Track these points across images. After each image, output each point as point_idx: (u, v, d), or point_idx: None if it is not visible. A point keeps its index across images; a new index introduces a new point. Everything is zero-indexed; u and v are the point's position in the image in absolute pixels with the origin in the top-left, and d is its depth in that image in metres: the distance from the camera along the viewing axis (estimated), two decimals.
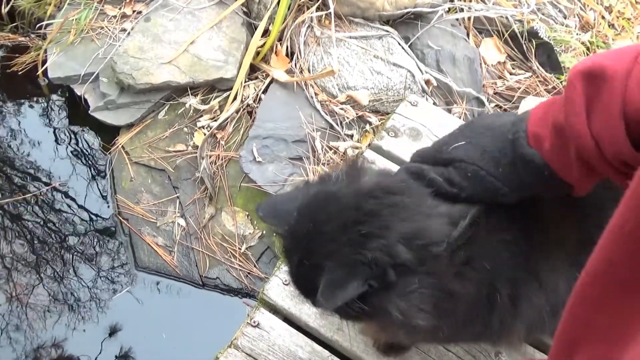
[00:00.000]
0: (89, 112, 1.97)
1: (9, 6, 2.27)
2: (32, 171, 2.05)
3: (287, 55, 1.99)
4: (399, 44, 1.99)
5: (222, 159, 1.88)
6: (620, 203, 0.46)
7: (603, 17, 2.50)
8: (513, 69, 2.20)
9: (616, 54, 0.59)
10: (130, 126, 1.97)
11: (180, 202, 1.87)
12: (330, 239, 0.73)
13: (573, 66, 0.66)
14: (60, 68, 2.02)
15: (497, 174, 0.74)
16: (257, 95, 1.96)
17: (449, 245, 0.73)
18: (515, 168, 0.72)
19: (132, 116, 1.96)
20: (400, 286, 0.72)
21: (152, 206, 1.87)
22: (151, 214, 1.86)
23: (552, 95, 2.09)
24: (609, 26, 2.50)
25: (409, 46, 2.02)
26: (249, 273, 1.79)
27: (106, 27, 2.09)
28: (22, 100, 2.24)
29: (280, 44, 1.99)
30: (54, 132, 2.15)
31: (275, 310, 1.29)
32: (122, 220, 1.88)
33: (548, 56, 2.20)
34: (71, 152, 2.09)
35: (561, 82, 2.15)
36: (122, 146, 1.95)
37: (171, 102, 1.99)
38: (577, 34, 2.35)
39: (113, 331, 1.76)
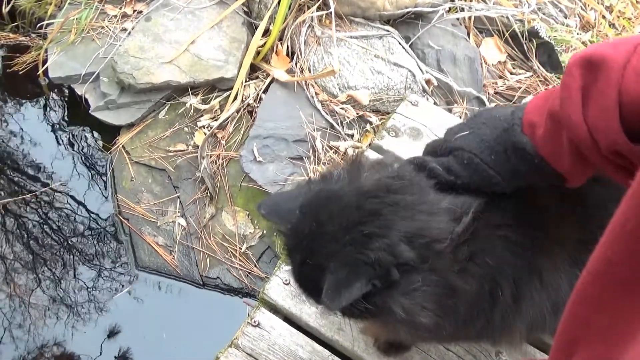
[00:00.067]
0: (90, 111, 1.97)
1: (10, 6, 2.27)
2: (32, 171, 2.05)
3: (287, 55, 1.99)
4: (400, 43, 1.99)
5: (222, 159, 1.88)
6: (622, 202, 0.46)
7: (604, 17, 2.50)
8: (514, 68, 2.20)
9: (616, 44, 0.59)
10: (130, 126, 1.98)
11: (180, 202, 1.87)
12: (332, 239, 0.73)
13: (573, 54, 0.65)
14: (60, 68, 2.02)
15: (490, 161, 0.74)
16: (258, 94, 1.96)
17: (451, 241, 0.73)
18: (507, 156, 0.73)
19: (132, 116, 1.96)
20: (404, 284, 0.72)
21: (152, 206, 1.87)
22: (151, 213, 1.86)
23: None
24: (610, 26, 2.50)
25: (409, 46, 2.02)
26: (249, 273, 1.79)
27: (107, 26, 2.09)
28: (23, 100, 2.24)
29: (281, 43, 1.99)
30: (55, 131, 2.15)
31: (275, 309, 1.29)
32: (123, 220, 1.88)
33: (549, 56, 2.20)
34: (71, 151, 2.09)
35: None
36: (123, 146, 1.95)
37: (172, 102, 1.99)
38: (577, 34, 2.34)
39: (113, 331, 1.76)
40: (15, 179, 2.03)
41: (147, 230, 1.85)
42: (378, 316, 0.78)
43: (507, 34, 2.18)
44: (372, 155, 1.55)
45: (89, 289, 1.82)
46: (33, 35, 2.29)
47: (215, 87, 1.99)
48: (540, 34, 2.16)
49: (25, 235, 1.90)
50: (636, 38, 0.58)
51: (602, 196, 0.81)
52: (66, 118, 2.20)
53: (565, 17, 2.39)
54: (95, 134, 2.13)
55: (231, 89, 1.94)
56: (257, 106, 1.93)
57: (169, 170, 1.90)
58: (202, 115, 1.96)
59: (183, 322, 1.79)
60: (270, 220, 0.85)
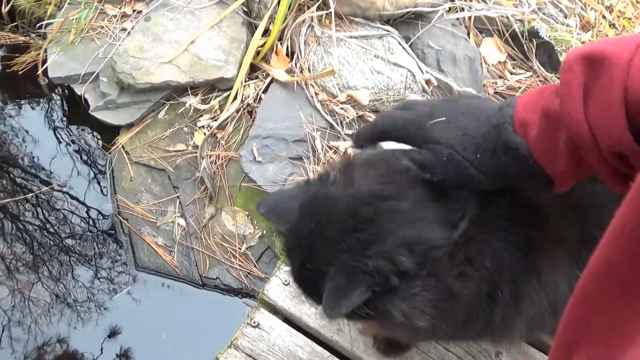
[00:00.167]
0: (89, 111, 1.97)
1: (9, 5, 2.27)
2: (32, 171, 2.05)
3: (287, 54, 1.99)
4: (400, 43, 1.99)
5: (222, 159, 1.87)
6: (622, 204, 0.46)
7: (604, 17, 2.49)
8: (514, 68, 2.20)
9: (618, 41, 0.57)
10: (130, 126, 1.97)
11: (180, 202, 1.87)
12: (331, 244, 0.72)
13: (571, 51, 0.61)
14: (60, 68, 2.02)
15: (474, 159, 0.69)
16: (258, 94, 1.95)
17: (449, 247, 0.72)
18: (496, 155, 0.68)
19: (132, 116, 1.96)
20: (404, 290, 0.72)
21: (152, 206, 1.87)
22: (151, 213, 1.86)
23: None
24: (610, 26, 2.50)
25: (409, 46, 2.02)
26: (249, 273, 1.79)
27: (106, 26, 2.09)
28: (22, 100, 2.24)
29: (281, 43, 1.99)
30: (54, 131, 2.15)
31: (275, 310, 1.29)
32: (122, 220, 1.88)
33: (549, 56, 2.20)
34: (71, 151, 2.09)
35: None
36: (122, 146, 1.95)
37: (171, 102, 1.99)
38: (577, 34, 2.34)
39: (113, 331, 1.76)
40: (15, 179, 2.03)
41: (146, 230, 1.85)
42: (377, 319, 0.78)
43: (507, 34, 2.18)
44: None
45: (88, 289, 1.82)
46: (33, 35, 2.29)
47: (215, 87, 1.99)
48: (540, 34, 2.16)
49: (25, 235, 1.90)
50: (637, 37, 0.57)
51: (601, 195, 0.81)
52: (66, 118, 2.20)
53: (566, 17, 2.39)
54: (95, 134, 2.13)
55: (231, 89, 1.93)
56: (257, 106, 1.92)
57: (169, 171, 1.90)
58: (201, 115, 1.96)
59: (183, 323, 1.78)
60: (269, 220, 0.84)
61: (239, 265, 1.79)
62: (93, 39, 2.07)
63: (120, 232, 1.90)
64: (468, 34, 2.16)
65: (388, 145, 0.79)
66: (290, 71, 1.96)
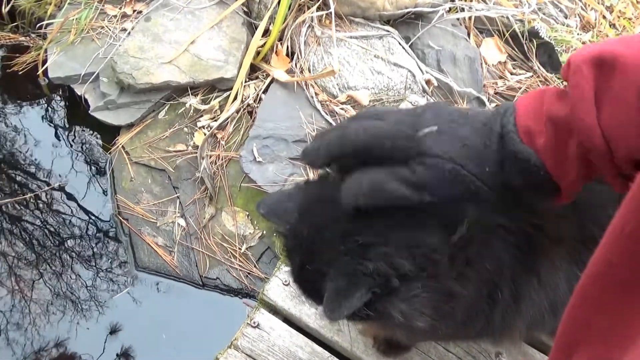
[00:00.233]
0: (89, 112, 1.97)
1: (10, 6, 2.27)
2: (32, 171, 2.05)
3: (287, 55, 1.99)
4: (400, 43, 1.99)
5: (222, 159, 1.87)
6: (622, 204, 0.46)
7: (604, 17, 2.49)
8: (514, 68, 2.20)
9: (627, 41, 0.54)
10: (130, 126, 1.97)
11: (180, 202, 1.87)
12: (330, 245, 0.72)
13: (575, 53, 0.56)
14: (60, 68, 2.02)
15: (480, 173, 0.62)
16: (258, 95, 1.95)
17: (449, 249, 0.72)
18: (502, 167, 0.62)
19: (132, 116, 1.96)
20: (404, 291, 0.72)
21: (152, 206, 1.87)
22: (151, 214, 1.86)
23: None
24: (610, 26, 2.50)
25: (409, 46, 2.02)
26: (249, 273, 1.79)
27: (106, 26, 2.09)
28: (23, 100, 2.24)
29: (281, 43, 1.99)
30: (54, 131, 2.15)
31: (275, 310, 1.29)
32: (122, 220, 1.88)
33: (549, 56, 2.20)
34: (71, 152, 2.09)
35: (562, 81, 2.14)
36: (122, 146, 1.95)
37: (171, 102, 1.99)
38: (578, 34, 2.34)
39: (113, 331, 1.76)
40: (15, 179, 2.03)
41: (146, 230, 1.85)
42: (377, 320, 0.78)
43: (507, 34, 2.18)
44: None
45: (88, 289, 1.82)
46: (33, 35, 2.29)
47: (215, 87, 1.99)
48: (540, 34, 2.16)
49: (25, 236, 1.90)
50: None
51: (601, 195, 0.80)
52: (66, 118, 2.20)
53: (566, 17, 2.39)
54: (95, 134, 2.13)
55: (231, 89, 1.93)
56: (257, 106, 1.92)
57: (169, 171, 1.90)
58: (201, 116, 1.96)
59: (183, 323, 1.78)
60: (269, 220, 0.84)
61: (239, 265, 1.79)
62: (93, 39, 2.07)
63: (120, 232, 1.90)
64: (468, 34, 2.16)
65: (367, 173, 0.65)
66: (290, 71, 1.96)
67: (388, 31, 2.00)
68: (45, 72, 2.06)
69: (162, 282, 1.83)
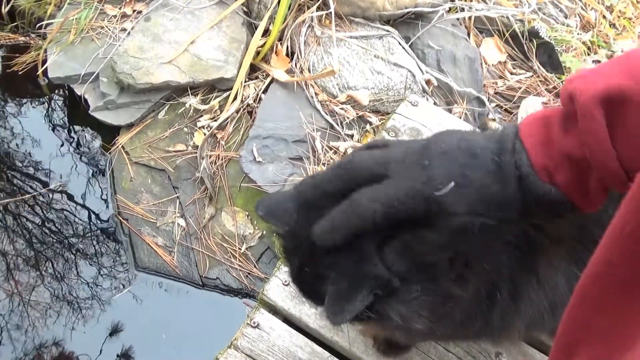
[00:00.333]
0: (89, 112, 1.97)
1: (9, 6, 2.27)
2: (32, 171, 2.05)
3: (287, 55, 1.99)
4: (400, 43, 1.99)
5: (222, 159, 1.87)
6: (622, 205, 0.46)
7: (604, 17, 2.49)
8: (514, 68, 2.20)
9: (630, 73, 0.54)
10: (130, 126, 1.97)
11: (180, 202, 1.87)
12: (332, 247, 0.72)
13: (578, 84, 0.56)
14: (60, 68, 2.02)
15: (503, 216, 0.64)
16: (258, 95, 1.95)
17: (448, 251, 0.72)
18: (524, 204, 0.63)
19: (132, 116, 1.96)
20: (403, 293, 0.72)
21: (152, 206, 1.87)
22: (151, 214, 1.86)
23: (552, 95, 2.09)
24: (610, 26, 2.50)
25: (409, 46, 2.02)
26: (249, 273, 1.79)
27: (106, 26, 2.09)
28: (22, 100, 2.24)
29: (281, 43, 1.99)
30: (54, 132, 2.15)
31: (275, 310, 1.29)
32: (122, 220, 1.87)
33: (549, 56, 2.20)
34: (71, 152, 2.09)
35: (562, 82, 2.14)
36: (122, 146, 1.95)
37: (171, 102, 1.99)
38: (578, 34, 2.34)
39: (113, 331, 1.76)
40: (15, 179, 2.03)
41: (146, 230, 1.85)
42: (377, 322, 0.78)
43: (507, 34, 2.18)
44: None
45: (88, 289, 1.82)
46: (32, 35, 2.29)
47: (215, 87, 1.99)
48: (540, 34, 2.16)
49: (25, 236, 1.89)
50: (635, 62, 0.54)
51: None
52: (66, 118, 2.20)
53: (566, 17, 2.39)
54: (95, 134, 2.13)
55: (231, 89, 1.93)
56: (257, 106, 1.92)
57: (169, 171, 1.90)
58: (201, 116, 1.96)
59: (183, 323, 1.78)
60: (267, 222, 0.84)
61: (239, 265, 1.79)
62: (93, 39, 2.07)
63: (120, 233, 1.90)
64: (468, 34, 2.16)
65: None
66: (290, 71, 1.96)
67: (388, 31, 2.00)
68: (45, 72, 2.06)
69: (162, 282, 1.83)
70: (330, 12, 1.92)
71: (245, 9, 2.09)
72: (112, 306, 1.80)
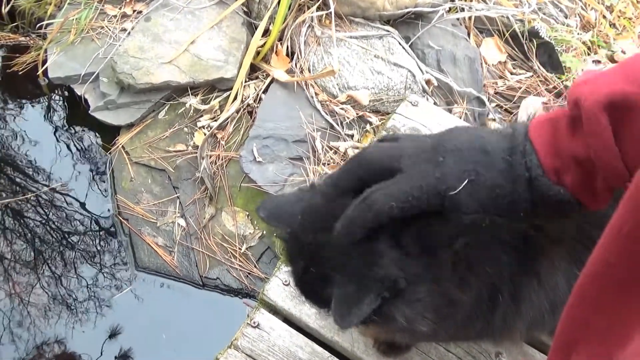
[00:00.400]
0: (89, 112, 1.97)
1: (9, 6, 2.27)
2: (32, 171, 2.05)
3: (287, 55, 1.99)
4: (400, 43, 1.99)
5: (222, 159, 1.88)
6: (620, 204, 0.46)
7: (604, 17, 2.49)
8: (514, 68, 2.20)
9: (632, 78, 0.54)
10: (130, 126, 1.97)
11: (180, 202, 1.87)
12: (338, 250, 0.72)
13: (583, 90, 0.57)
14: (60, 68, 2.02)
15: (505, 213, 0.65)
16: (258, 95, 1.96)
17: (452, 255, 0.72)
18: (533, 204, 0.64)
19: (132, 116, 1.96)
20: (408, 295, 0.72)
21: (152, 206, 1.87)
22: (151, 214, 1.86)
23: (552, 95, 2.09)
24: (610, 26, 2.50)
25: (409, 46, 2.02)
26: (249, 273, 1.79)
27: (106, 26, 2.09)
28: (23, 100, 2.24)
29: (281, 43, 1.99)
30: (54, 132, 2.15)
31: (275, 310, 1.29)
32: (122, 220, 1.88)
33: (549, 56, 2.20)
34: (71, 152, 2.09)
35: (562, 81, 2.14)
36: (122, 146, 1.95)
37: (171, 102, 1.99)
38: (578, 34, 2.34)
39: (113, 331, 1.76)
40: (15, 179, 2.03)
41: (146, 230, 1.85)
42: (381, 324, 0.77)
43: (507, 34, 2.18)
44: None
45: (88, 290, 1.82)
46: (33, 35, 2.29)
47: (215, 87, 1.99)
48: (540, 34, 2.16)
49: (25, 236, 1.90)
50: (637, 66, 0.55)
51: None
52: (66, 118, 2.20)
53: (566, 17, 2.39)
54: (95, 134, 2.13)
55: (231, 89, 1.93)
56: (257, 106, 1.92)
57: (169, 171, 1.90)
58: (201, 116, 1.96)
59: (183, 323, 1.79)
60: (269, 224, 0.83)
61: (239, 265, 1.79)
62: (93, 39, 2.07)
63: (120, 233, 1.90)
64: (468, 34, 2.16)
65: None
66: (290, 71, 1.96)
67: (388, 31, 2.00)
68: (45, 72, 2.06)
69: (162, 282, 1.83)
70: (330, 12, 1.92)
71: (245, 9, 2.09)
72: (112, 306, 1.81)
